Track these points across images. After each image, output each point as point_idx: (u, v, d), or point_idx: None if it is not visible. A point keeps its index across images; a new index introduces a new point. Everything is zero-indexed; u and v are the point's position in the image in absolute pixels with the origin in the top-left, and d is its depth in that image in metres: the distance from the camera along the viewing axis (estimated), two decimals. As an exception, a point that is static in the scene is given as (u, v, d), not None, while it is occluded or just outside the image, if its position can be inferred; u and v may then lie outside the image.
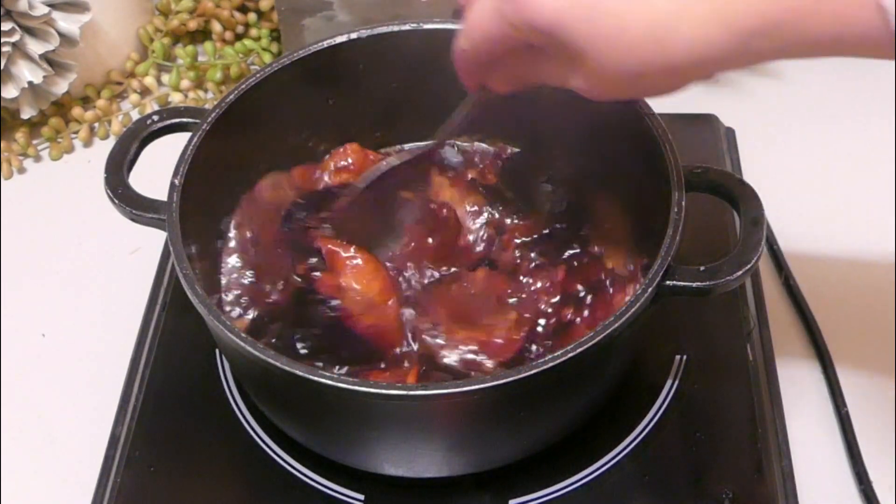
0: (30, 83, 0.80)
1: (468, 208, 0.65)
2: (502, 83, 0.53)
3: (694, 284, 0.52)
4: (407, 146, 0.70)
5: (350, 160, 0.68)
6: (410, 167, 0.62)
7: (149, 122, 0.62)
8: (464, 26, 0.49)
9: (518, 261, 0.62)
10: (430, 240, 0.62)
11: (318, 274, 0.60)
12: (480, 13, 0.47)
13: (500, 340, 0.57)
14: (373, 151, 0.69)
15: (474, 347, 0.57)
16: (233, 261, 0.63)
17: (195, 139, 0.59)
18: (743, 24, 0.42)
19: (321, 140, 0.69)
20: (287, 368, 0.48)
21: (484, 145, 0.70)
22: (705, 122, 0.79)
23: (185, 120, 0.62)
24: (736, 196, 0.56)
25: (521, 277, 0.61)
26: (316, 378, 0.48)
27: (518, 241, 0.63)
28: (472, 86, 0.54)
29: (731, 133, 0.79)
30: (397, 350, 0.58)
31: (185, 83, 0.88)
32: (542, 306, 0.59)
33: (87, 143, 0.86)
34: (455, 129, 0.59)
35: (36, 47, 0.79)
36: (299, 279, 0.60)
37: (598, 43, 0.43)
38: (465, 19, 0.49)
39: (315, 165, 0.68)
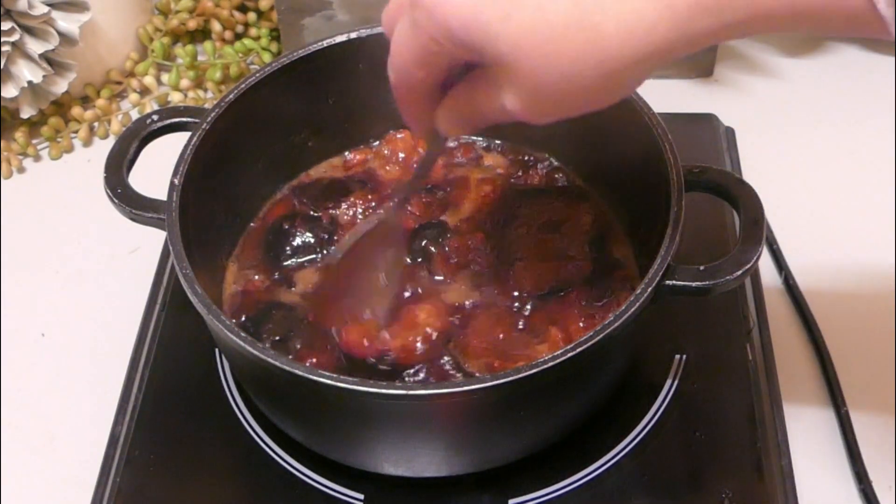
0: (29, 83, 0.80)
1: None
2: (449, 125, 0.48)
3: (694, 284, 0.52)
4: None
5: (401, 146, 0.69)
6: (385, 227, 0.59)
7: (148, 121, 0.62)
8: (390, 58, 0.46)
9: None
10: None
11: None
12: (399, 35, 0.44)
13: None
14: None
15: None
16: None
17: (195, 139, 0.59)
18: (684, 1, 0.38)
19: (321, 139, 0.69)
20: (287, 368, 0.48)
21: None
22: (705, 122, 0.79)
23: (184, 119, 0.62)
24: (735, 196, 0.56)
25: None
26: (316, 378, 0.48)
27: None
28: (422, 132, 0.51)
29: (730, 133, 0.79)
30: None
31: (184, 83, 0.88)
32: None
33: (87, 143, 0.86)
34: (419, 183, 0.57)
35: (35, 47, 0.79)
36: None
37: (521, 43, 0.39)
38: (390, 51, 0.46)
39: (368, 149, 0.70)
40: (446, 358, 0.57)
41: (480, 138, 0.71)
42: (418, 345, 0.57)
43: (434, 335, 0.58)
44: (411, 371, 0.56)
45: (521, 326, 0.59)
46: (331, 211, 0.66)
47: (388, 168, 0.69)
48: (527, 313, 0.59)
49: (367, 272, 0.60)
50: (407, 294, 0.60)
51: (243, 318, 0.61)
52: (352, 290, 0.60)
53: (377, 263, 0.60)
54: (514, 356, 0.57)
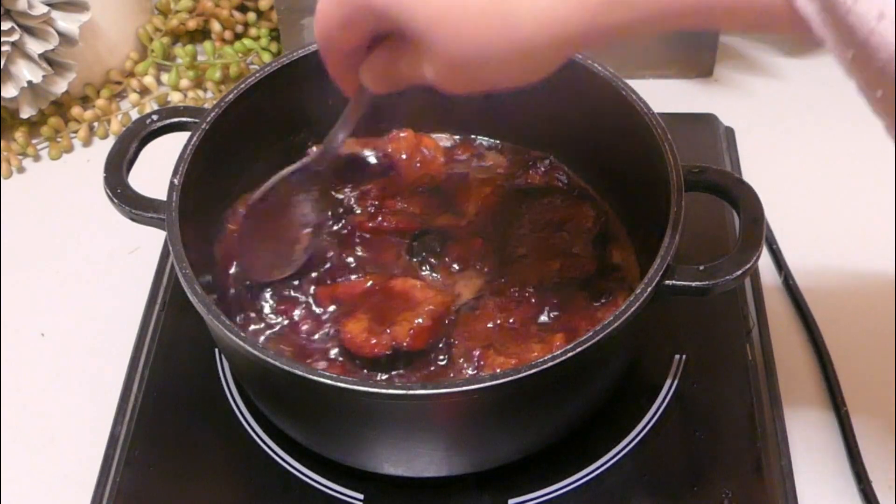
0: (29, 82, 0.80)
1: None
2: (374, 83, 0.50)
3: (693, 284, 0.52)
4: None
5: (404, 146, 0.69)
6: (304, 176, 0.60)
7: (148, 121, 0.62)
8: (315, 23, 0.47)
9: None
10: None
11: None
12: (325, 3, 0.46)
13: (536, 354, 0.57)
14: (426, 136, 0.70)
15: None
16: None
17: (194, 139, 0.59)
18: None
19: (321, 139, 0.69)
20: (287, 368, 0.48)
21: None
22: (705, 122, 0.79)
23: (184, 119, 0.62)
24: (735, 196, 0.56)
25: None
26: (316, 378, 0.48)
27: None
28: (348, 88, 0.52)
29: (730, 133, 0.79)
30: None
31: (184, 83, 0.88)
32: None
33: (87, 143, 0.86)
34: (343, 137, 0.57)
35: (35, 47, 0.79)
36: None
37: (437, 21, 0.41)
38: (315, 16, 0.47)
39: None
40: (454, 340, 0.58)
41: (482, 137, 0.71)
42: (419, 320, 0.57)
43: (436, 311, 0.58)
44: (431, 356, 0.57)
45: (521, 324, 0.59)
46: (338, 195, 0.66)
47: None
48: (528, 310, 0.59)
49: (285, 220, 0.61)
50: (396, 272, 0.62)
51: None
52: (268, 236, 0.60)
53: (296, 211, 0.61)
54: (513, 353, 0.57)
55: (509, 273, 0.61)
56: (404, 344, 0.56)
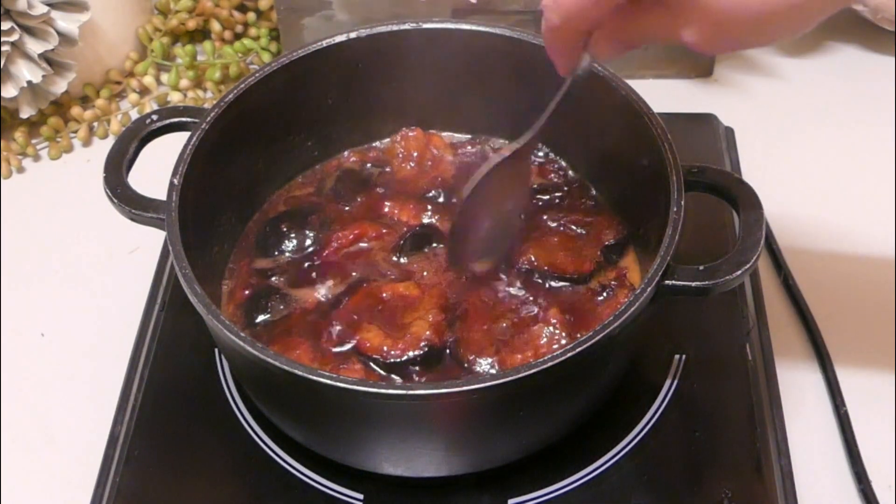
0: (29, 82, 0.80)
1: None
2: (605, 50, 0.47)
3: (693, 284, 0.52)
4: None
5: (413, 145, 0.69)
6: (508, 166, 0.57)
7: (148, 121, 0.62)
8: (559, 3, 0.44)
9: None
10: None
11: None
12: None
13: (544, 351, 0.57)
14: (435, 134, 0.70)
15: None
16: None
17: (194, 139, 0.59)
18: None
19: (320, 139, 0.69)
20: (287, 368, 0.48)
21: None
22: (705, 122, 0.79)
23: (184, 119, 0.62)
24: (735, 195, 0.56)
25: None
26: (316, 378, 0.48)
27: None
28: (568, 66, 0.49)
29: (730, 133, 0.79)
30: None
31: (184, 82, 0.88)
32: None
33: (87, 143, 0.86)
34: (546, 123, 0.55)
35: (35, 47, 0.79)
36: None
37: None
38: None
39: (370, 147, 0.70)
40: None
41: (488, 136, 0.71)
42: (430, 317, 0.58)
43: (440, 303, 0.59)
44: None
45: (520, 320, 0.59)
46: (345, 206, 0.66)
47: (404, 166, 0.69)
48: (528, 307, 0.59)
49: (491, 211, 0.59)
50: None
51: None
52: (477, 229, 0.59)
53: (501, 202, 0.59)
54: (513, 347, 0.57)
55: (517, 249, 0.62)
56: (428, 341, 0.57)
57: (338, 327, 0.59)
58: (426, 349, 0.57)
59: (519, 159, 0.57)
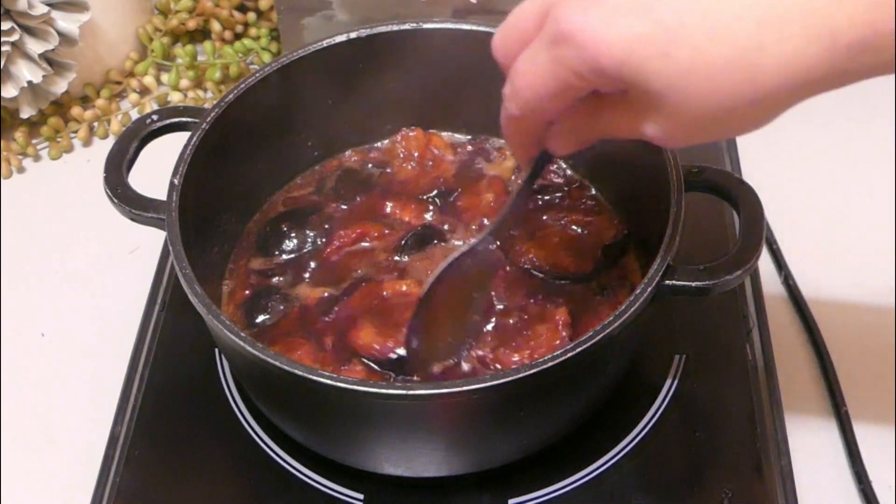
0: (29, 82, 0.80)
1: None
2: (562, 145, 0.47)
3: (693, 284, 0.52)
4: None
5: (414, 145, 0.69)
6: (466, 263, 0.57)
7: (148, 121, 0.62)
8: (511, 89, 0.43)
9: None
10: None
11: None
12: (533, 68, 0.42)
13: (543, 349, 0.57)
14: (435, 135, 0.70)
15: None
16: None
17: (194, 139, 0.59)
18: (848, 40, 0.37)
19: (320, 139, 0.69)
20: (287, 368, 0.48)
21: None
22: (705, 122, 0.79)
23: (184, 119, 0.62)
24: (735, 195, 0.56)
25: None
26: (316, 378, 0.48)
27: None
28: (526, 157, 0.49)
29: (730, 132, 0.79)
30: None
31: (184, 82, 0.88)
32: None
33: (87, 143, 0.86)
34: (507, 217, 0.55)
35: (35, 47, 0.79)
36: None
37: (677, 80, 0.38)
38: (510, 80, 0.43)
39: (371, 147, 0.70)
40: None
41: (488, 137, 0.71)
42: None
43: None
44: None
45: (520, 320, 0.59)
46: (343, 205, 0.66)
47: (405, 166, 0.69)
48: (529, 307, 0.59)
49: (453, 305, 0.58)
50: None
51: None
52: (439, 322, 0.58)
53: (463, 296, 0.58)
54: (513, 347, 0.57)
55: (517, 246, 0.62)
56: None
57: (338, 327, 0.59)
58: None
59: (474, 256, 0.57)
